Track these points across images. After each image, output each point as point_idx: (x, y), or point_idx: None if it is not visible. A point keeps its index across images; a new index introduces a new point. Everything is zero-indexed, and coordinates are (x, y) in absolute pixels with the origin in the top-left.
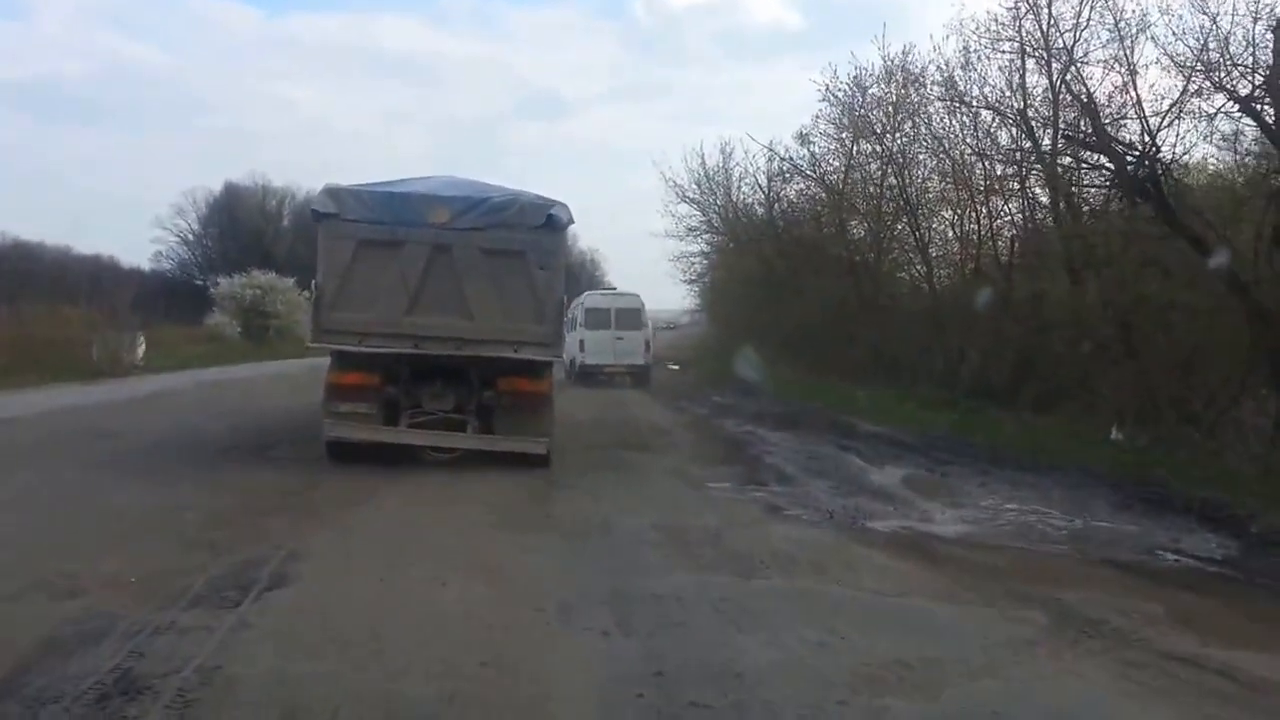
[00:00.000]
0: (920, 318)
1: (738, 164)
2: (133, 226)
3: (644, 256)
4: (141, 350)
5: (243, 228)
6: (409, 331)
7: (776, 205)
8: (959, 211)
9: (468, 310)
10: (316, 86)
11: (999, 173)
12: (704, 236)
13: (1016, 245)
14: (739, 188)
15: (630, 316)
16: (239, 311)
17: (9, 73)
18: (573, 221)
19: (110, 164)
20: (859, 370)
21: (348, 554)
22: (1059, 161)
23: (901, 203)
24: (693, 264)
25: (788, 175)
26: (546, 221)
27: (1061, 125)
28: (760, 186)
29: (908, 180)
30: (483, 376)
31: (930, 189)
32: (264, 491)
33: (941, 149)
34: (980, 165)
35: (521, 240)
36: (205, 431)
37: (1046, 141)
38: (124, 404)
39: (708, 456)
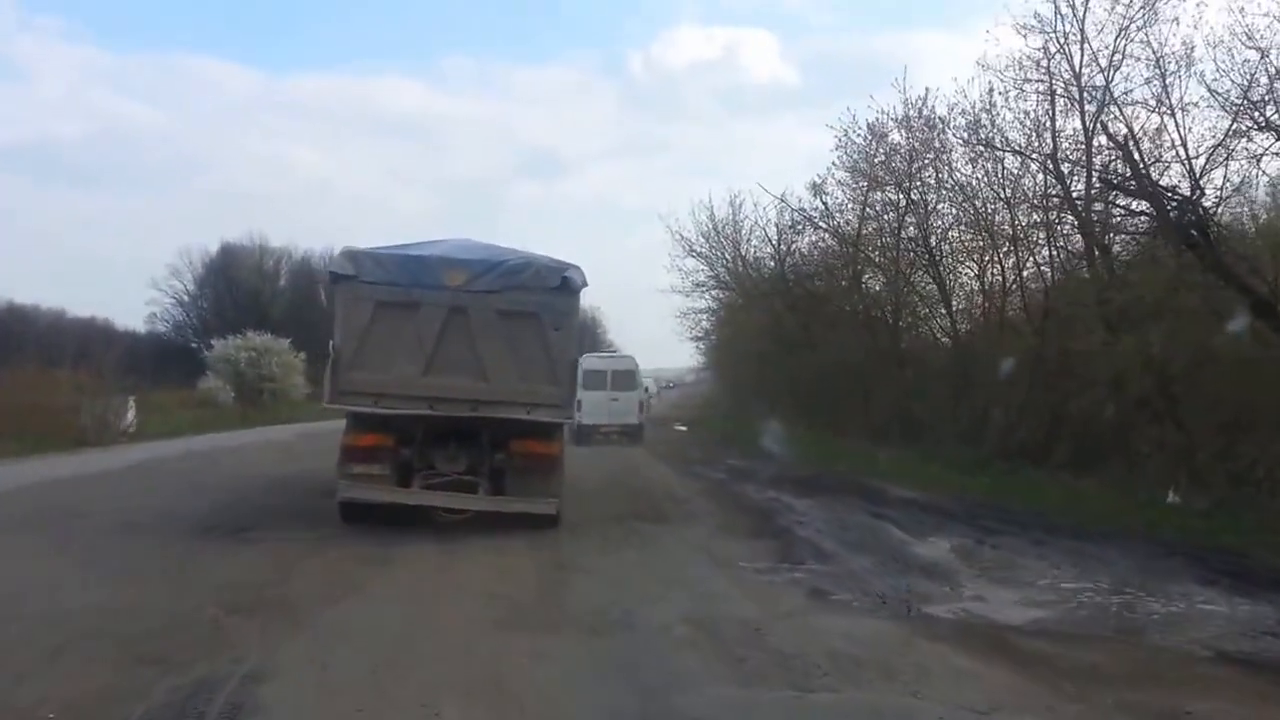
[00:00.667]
0: (943, 374)
1: (747, 217)
2: (130, 288)
3: (644, 314)
4: (132, 416)
5: (239, 288)
6: (424, 393)
7: (788, 259)
8: (983, 261)
9: (483, 371)
10: (317, 147)
11: (1026, 220)
12: (711, 292)
13: (1048, 296)
14: (748, 241)
15: (625, 378)
16: (233, 374)
17: (7, 135)
18: (586, 284)
19: (108, 225)
20: (877, 430)
21: (322, 670)
22: (1093, 208)
23: (922, 252)
24: (699, 320)
25: (799, 227)
26: (561, 284)
27: (1095, 169)
28: (770, 240)
29: (929, 229)
30: (495, 438)
31: (952, 238)
32: (235, 584)
33: (964, 196)
34: (1006, 212)
35: (536, 302)
36: (182, 510)
37: (1079, 187)
38: (102, 478)
39: (733, 528)
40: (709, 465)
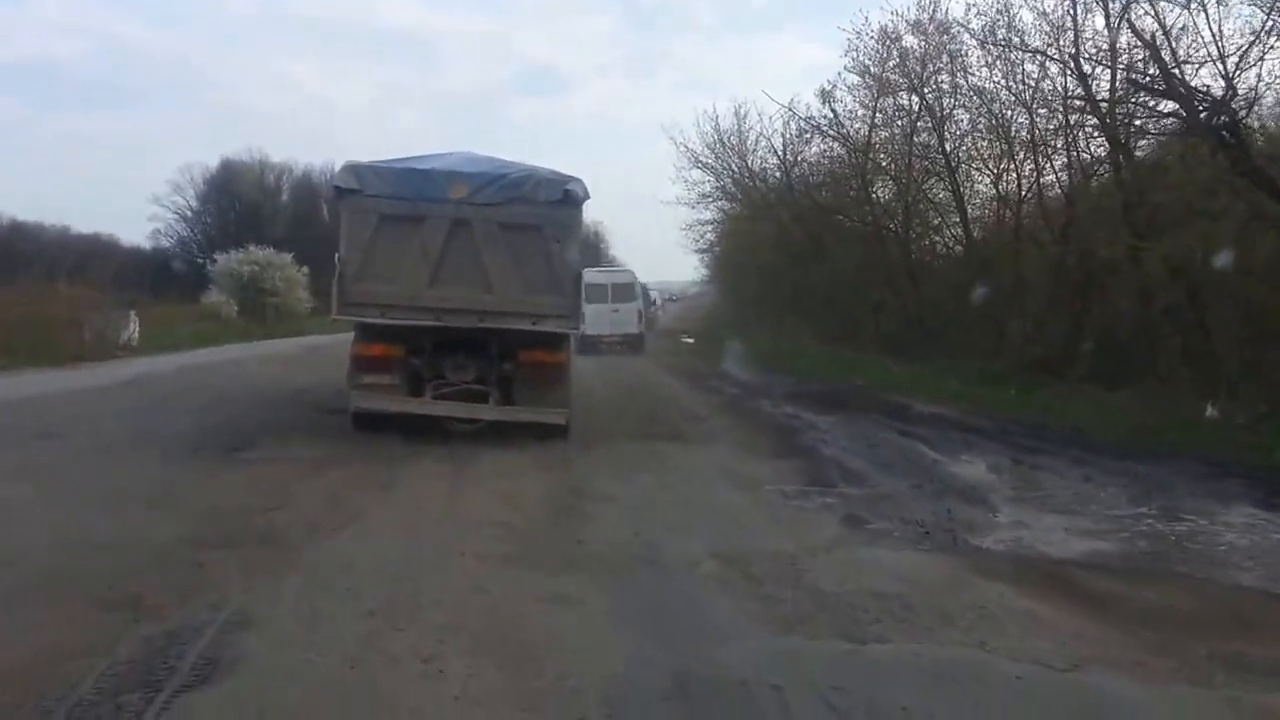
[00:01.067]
0: (957, 285)
1: (752, 127)
2: (134, 206)
3: (647, 228)
4: (135, 330)
5: (241, 204)
6: (431, 304)
7: (794, 170)
8: (1000, 169)
9: (487, 283)
10: (315, 64)
11: (1046, 125)
12: (717, 204)
13: (1070, 203)
14: (754, 152)
15: (625, 291)
16: (236, 289)
17: (7, 54)
18: (588, 196)
19: (110, 144)
20: (888, 342)
21: (311, 616)
22: (1117, 110)
23: (937, 159)
24: (704, 233)
25: (808, 136)
26: (563, 197)
27: (1120, 68)
28: (776, 150)
29: (944, 135)
30: (503, 349)
31: (967, 145)
32: (222, 513)
33: (980, 101)
34: (1025, 117)
35: (538, 215)
36: (170, 428)
37: (1102, 89)
38: (91, 393)
39: (755, 447)
40: (721, 379)
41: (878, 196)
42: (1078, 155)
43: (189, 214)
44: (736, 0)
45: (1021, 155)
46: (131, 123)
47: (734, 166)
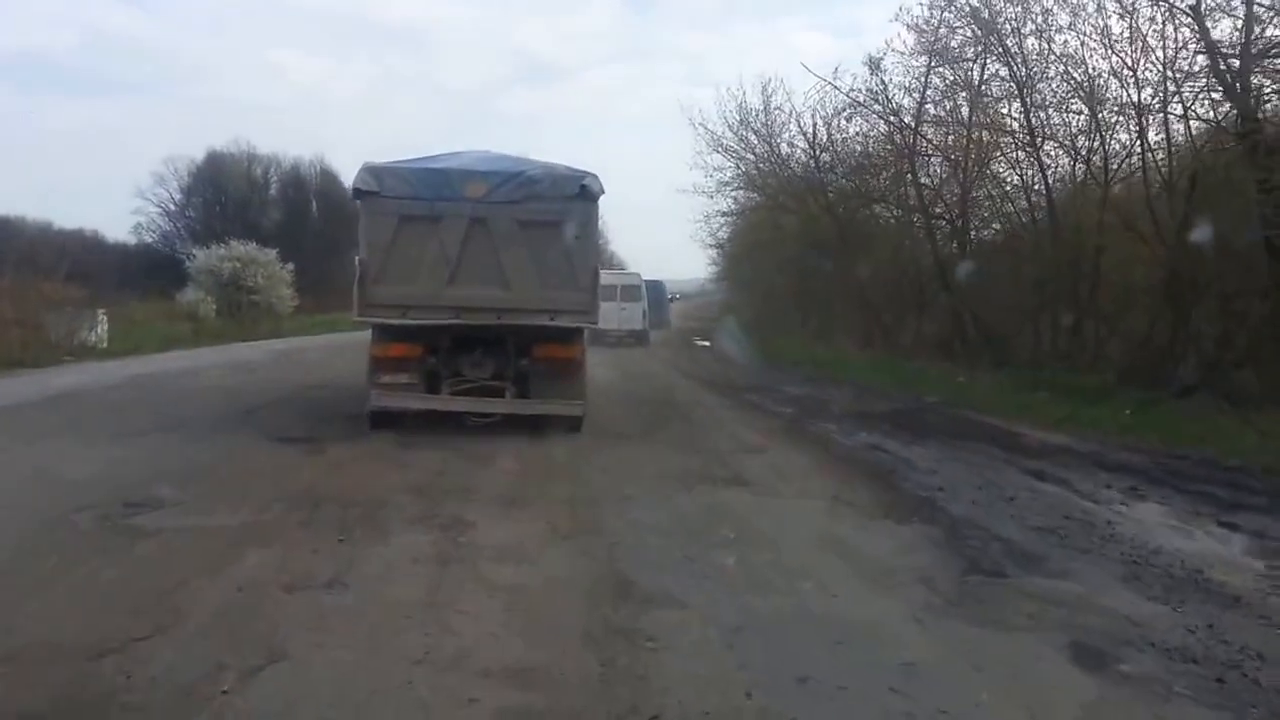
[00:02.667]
0: (1027, 280)
1: (780, 106)
2: (120, 200)
3: (648, 223)
4: (102, 331)
5: (228, 197)
6: (450, 303)
7: (824, 153)
8: (1093, 145)
9: (505, 280)
10: (309, 55)
11: (1154, 91)
12: (737, 192)
13: (1193, 186)
14: (782, 135)
15: (632, 292)
16: (216, 287)
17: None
18: (603, 191)
19: (97, 136)
20: (939, 347)
21: None
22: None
23: (1020, 133)
24: (721, 225)
25: (848, 113)
26: (580, 192)
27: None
28: (805, 133)
29: (1030, 104)
30: (519, 345)
31: (1046, 117)
32: (58, 653)
33: (1065, 69)
34: (1129, 81)
35: (556, 211)
36: (56, 472)
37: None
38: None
39: (852, 500)
40: (763, 394)
41: (928, 180)
42: (1188, 127)
43: (172, 208)
44: None
45: (1115, 126)
46: (118, 116)
47: (756, 151)
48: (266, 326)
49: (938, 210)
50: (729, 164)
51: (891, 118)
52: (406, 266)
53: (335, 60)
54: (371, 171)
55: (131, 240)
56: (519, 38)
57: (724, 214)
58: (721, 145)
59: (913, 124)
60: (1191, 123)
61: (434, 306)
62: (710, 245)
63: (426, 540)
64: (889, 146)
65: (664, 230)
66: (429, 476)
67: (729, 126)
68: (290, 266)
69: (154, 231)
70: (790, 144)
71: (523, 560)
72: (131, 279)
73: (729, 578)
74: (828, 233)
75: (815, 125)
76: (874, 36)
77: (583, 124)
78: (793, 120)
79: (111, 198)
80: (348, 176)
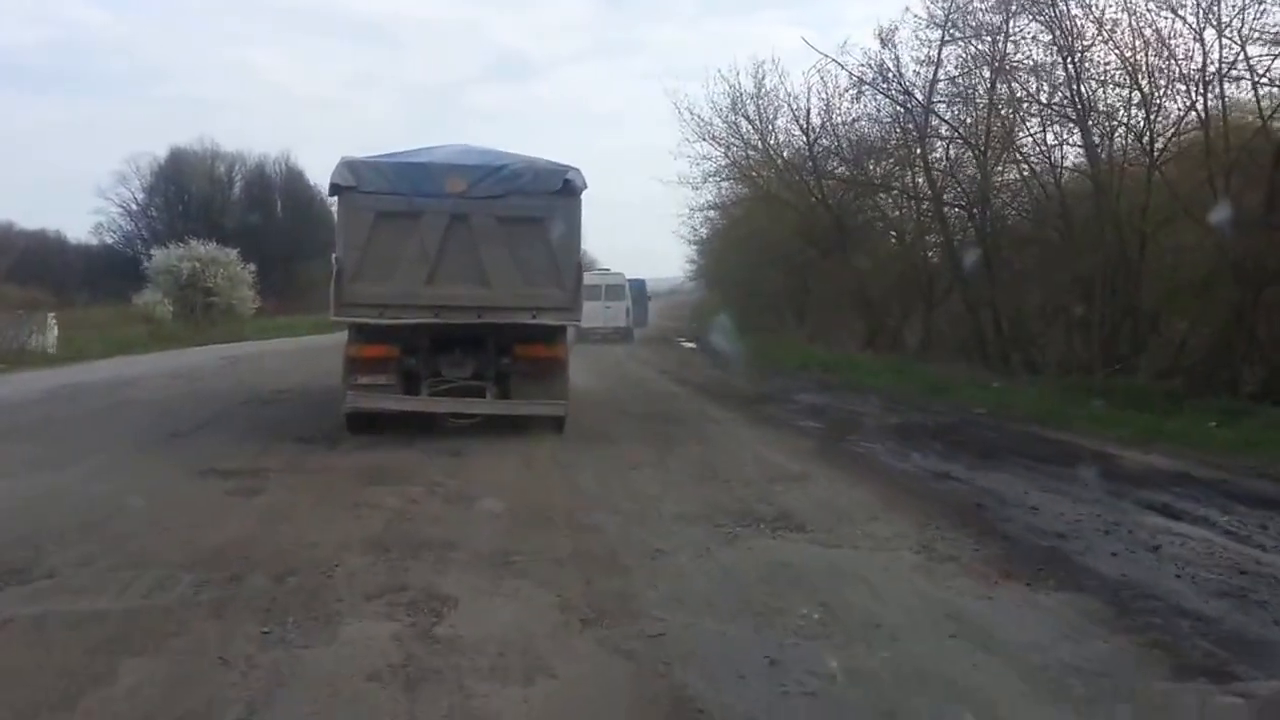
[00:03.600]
0: (1064, 271)
1: (774, 89)
2: (83, 201)
3: (618, 221)
4: (52, 335)
5: (191, 196)
6: (429, 302)
7: (824, 139)
8: (1151, 120)
9: (486, 278)
10: (276, 51)
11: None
12: (725, 184)
13: None
14: (776, 119)
15: (616, 291)
16: (174, 288)
17: None
18: (586, 186)
19: (62, 135)
20: (953, 347)
21: None
22: None
23: (1064, 105)
24: (704, 221)
25: (855, 93)
26: (563, 187)
27: None
28: (799, 118)
29: (1078, 71)
30: (500, 344)
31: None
32: None
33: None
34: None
35: (538, 206)
36: None
37: None
38: None
39: (951, 551)
40: (778, 404)
41: (940, 163)
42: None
43: (134, 207)
44: None
45: (1165, 94)
46: (85, 115)
47: (747, 138)
48: (226, 329)
49: (948, 197)
50: (717, 152)
51: (901, 96)
52: (384, 264)
53: (303, 58)
54: (349, 166)
55: (94, 241)
56: (490, 33)
57: (709, 207)
58: (710, 133)
59: (924, 101)
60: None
61: (413, 305)
62: (690, 242)
63: (387, 634)
64: (897, 129)
65: (638, 228)
66: (394, 524)
67: (718, 113)
68: (252, 267)
69: (115, 232)
70: (787, 130)
71: (532, 670)
72: (92, 281)
73: (843, 700)
74: (824, 225)
75: (810, 109)
76: (854, 30)
77: (555, 120)
78: (787, 104)
79: (77, 198)
80: (315, 175)
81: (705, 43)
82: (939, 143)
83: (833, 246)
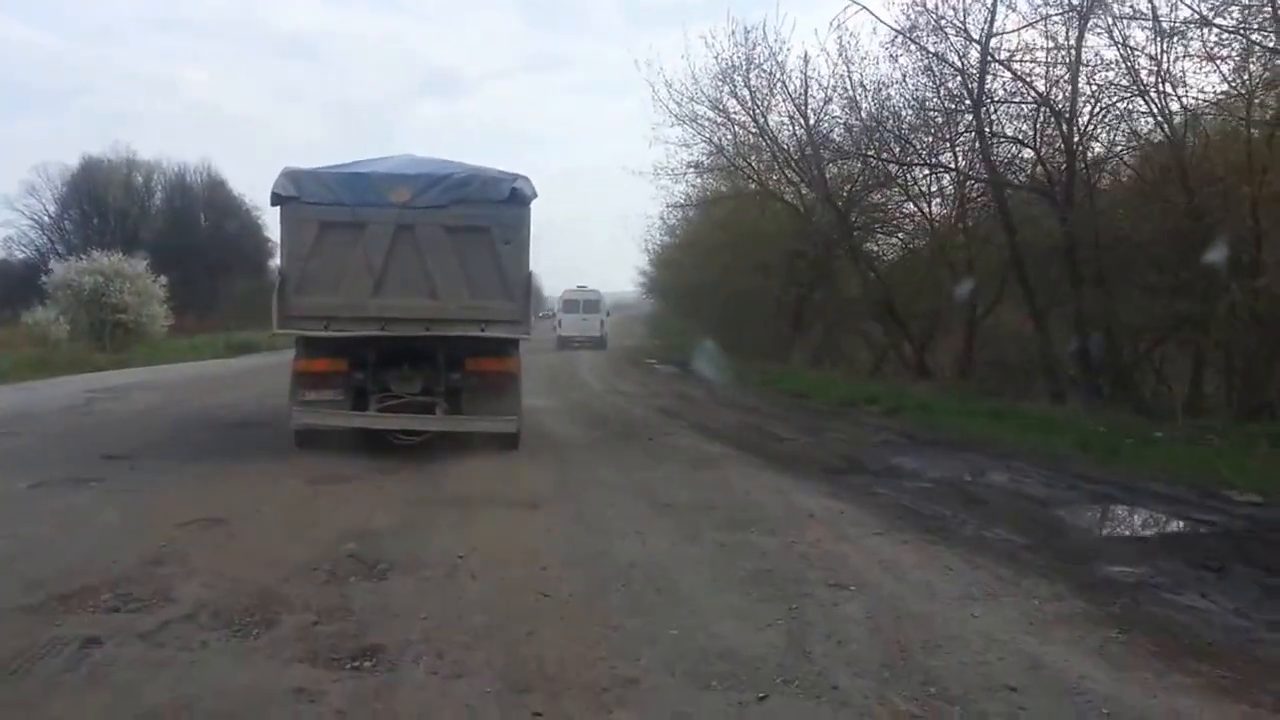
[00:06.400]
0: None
1: (765, 60)
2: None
3: (558, 235)
4: None
5: (106, 207)
6: (375, 314)
7: (817, 127)
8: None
9: (434, 290)
10: (202, 66)
11: None
12: (705, 177)
13: None
14: (771, 97)
15: (592, 305)
16: (75, 304)
17: None
18: (536, 195)
19: None
20: (1014, 374)
21: None
22: None
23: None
24: (675, 222)
25: (897, 49)
26: (510, 195)
27: None
28: (790, 94)
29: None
30: (450, 358)
31: None
32: None
33: None
34: None
35: (485, 216)
36: None
37: None
38: None
39: None
40: (885, 479)
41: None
42: None
43: (46, 219)
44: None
45: None
46: (3, 127)
47: (735, 118)
48: (141, 352)
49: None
50: (699, 140)
51: (961, 43)
52: (329, 276)
53: (231, 74)
54: (290, 176)
55: (2, 254)
56: (421, 49)
57: (683, 205)
58: (689, 116)
59: (981, 52)
60: None
61: (358, 318)
62: (644, 251)
63: None
64: (943, 94)
65: (581, 241)
66: None
67: (701, 89)
68: (164, 280)
69: (26, 246)
70: (786, 109)
71: None
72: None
73: None
74: (823, 226)
75: (806, 86)
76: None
77: (493, 135)
78: (783, 82)
79: None
80: (239, 186)
81: (633, 55)
82: (996, 109)
83: (839, 250)
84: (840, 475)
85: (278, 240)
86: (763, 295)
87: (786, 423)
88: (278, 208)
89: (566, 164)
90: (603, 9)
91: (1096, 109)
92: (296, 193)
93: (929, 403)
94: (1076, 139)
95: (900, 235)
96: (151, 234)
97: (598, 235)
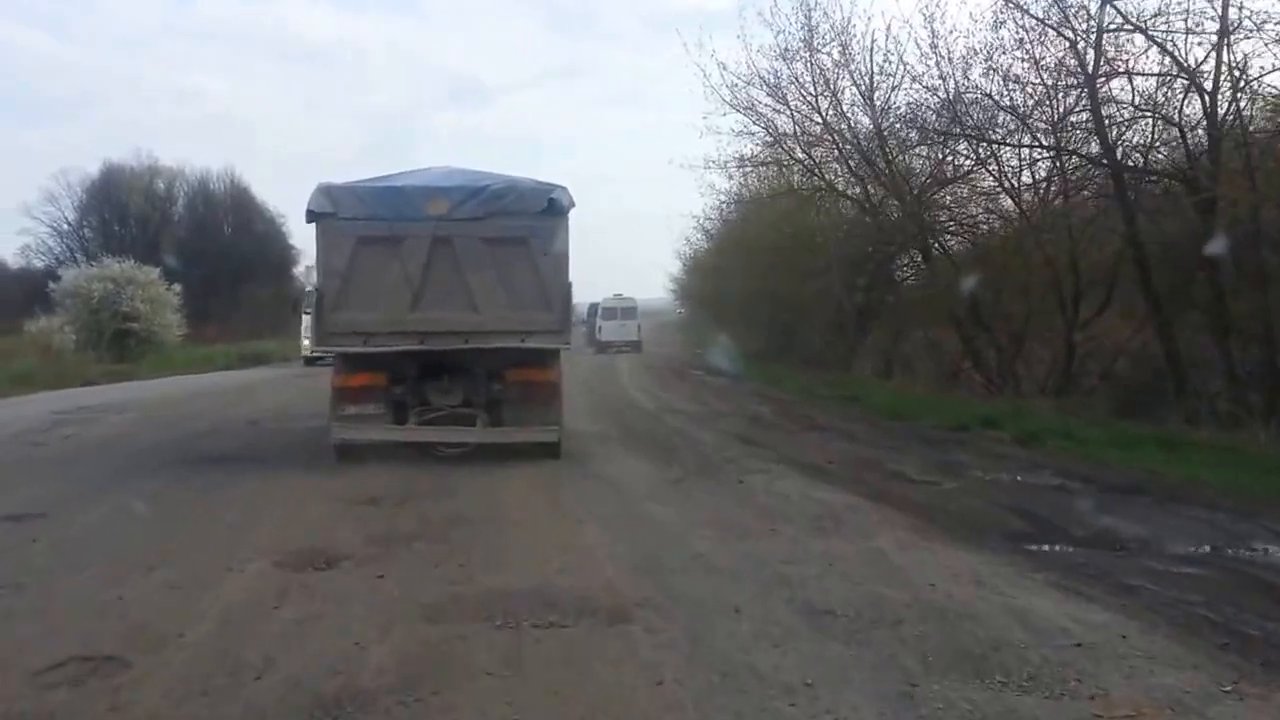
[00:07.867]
0: None
1: (827, 36)
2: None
3: (589, 243)
4: None
5: (128, 214)
6: (414, 328)
7: (883, 118)
8: None
9: (472, 302)
10: (226, 77)
11: None
12: (760, 170)
13: None
14: (838, 82)
15: (629, 312)
16: (85, 312)
17: None
18: (574, 205)
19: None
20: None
21: None
22: None
23: None
24: (716, 227)
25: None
26: (548, 206)
27: None
28: (857, 80)
29: None
30: (490, 369)
31: None
32: None
33: None
34: None
35: (523, 227)
36: None
37: None
38: None
39: None
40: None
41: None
42: None
43: (65, 226)
44: (661, 9)
45: None
46: (25, 137)
47: (794, 107)
48: (151, 364)
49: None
50: (758, 127)
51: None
52: (367, 291)
53: (252, 83)
54: (325, 192)
55: (21, 263)
56: (442, 58)
57: (732, 201)
58: (745, 104)
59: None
60: None
61: (398, 332)
62: (678, 257)
63: None
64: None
65: (608, 250)
66: None
67: (759, 75)
68: (178, 288)
69: (45, 254)
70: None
71: None
72: (11, 309)
73: None
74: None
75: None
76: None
77: (518, 144)
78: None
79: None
80: (262, 194)
81: (654, 68)
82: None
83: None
84: (1040, 547)
85: (300, 248)
86: (819, 299)
87: (901, 455)
88: (313, 224)
89: (594, 171)
90: (626, 21)
91: (1242, 83)
92: (333, 209)
93: (1067, 428)
94: (1224, 111)
95: (984, 228)
96: (173, 241)
97: (621, 242)
